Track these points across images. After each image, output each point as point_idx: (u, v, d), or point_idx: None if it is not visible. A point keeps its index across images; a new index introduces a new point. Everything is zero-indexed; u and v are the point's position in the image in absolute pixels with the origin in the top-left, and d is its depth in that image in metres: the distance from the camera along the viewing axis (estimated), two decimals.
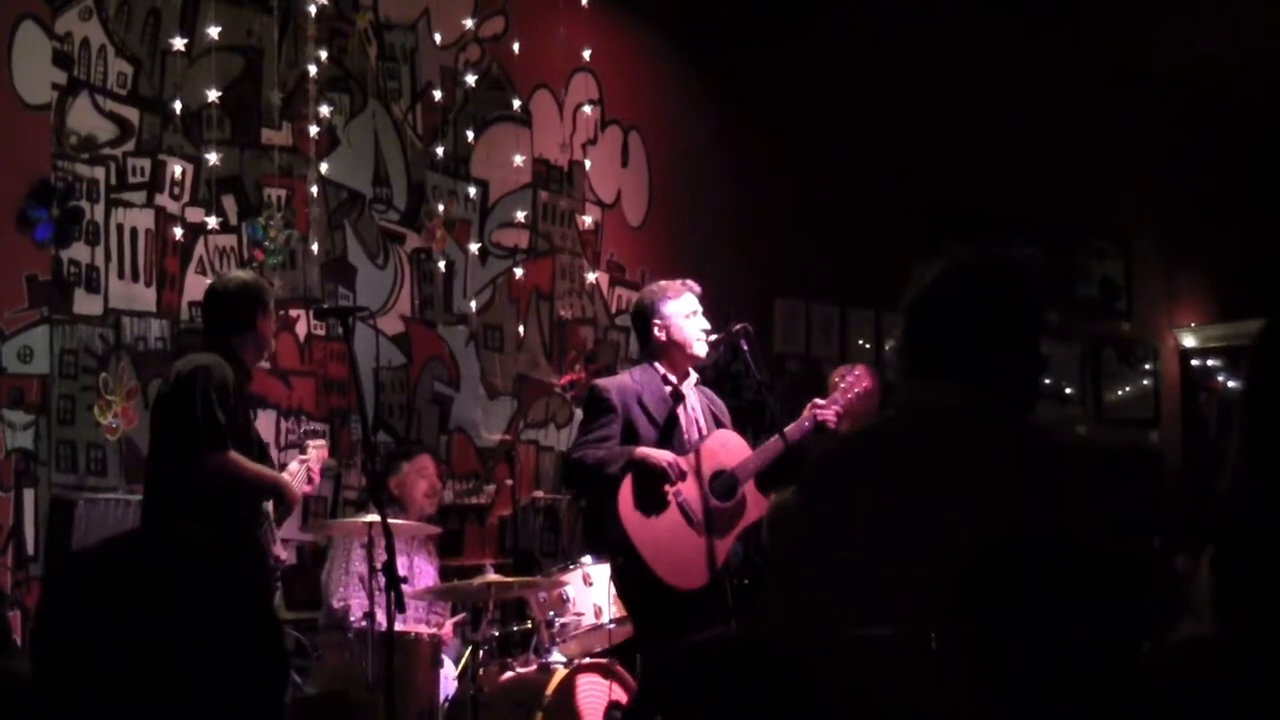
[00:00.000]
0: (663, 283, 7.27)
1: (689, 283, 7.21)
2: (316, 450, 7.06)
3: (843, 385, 7.33)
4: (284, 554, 6.81)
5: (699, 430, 7.10)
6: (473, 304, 9.49)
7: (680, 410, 7.08)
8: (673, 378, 7.11)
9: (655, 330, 7.13)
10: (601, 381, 7.29)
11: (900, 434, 3.38)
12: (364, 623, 7.33)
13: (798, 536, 3.47)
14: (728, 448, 7.11)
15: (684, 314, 7.09)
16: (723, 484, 6.98)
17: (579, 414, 9.63)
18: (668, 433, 7.01)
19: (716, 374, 7.30)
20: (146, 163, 8.03)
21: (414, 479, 8.38)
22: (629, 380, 7.12)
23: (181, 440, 6.37)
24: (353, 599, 7.77)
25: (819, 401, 7.18)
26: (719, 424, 7.26)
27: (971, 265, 3.42)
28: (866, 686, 3.03)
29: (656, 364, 7.12)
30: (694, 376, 7.22)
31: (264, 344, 6.90)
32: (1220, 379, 14.44)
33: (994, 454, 3.24)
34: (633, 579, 6.93)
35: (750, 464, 7.04)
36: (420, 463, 8.48)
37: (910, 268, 3.50)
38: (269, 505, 6.66)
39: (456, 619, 8.24)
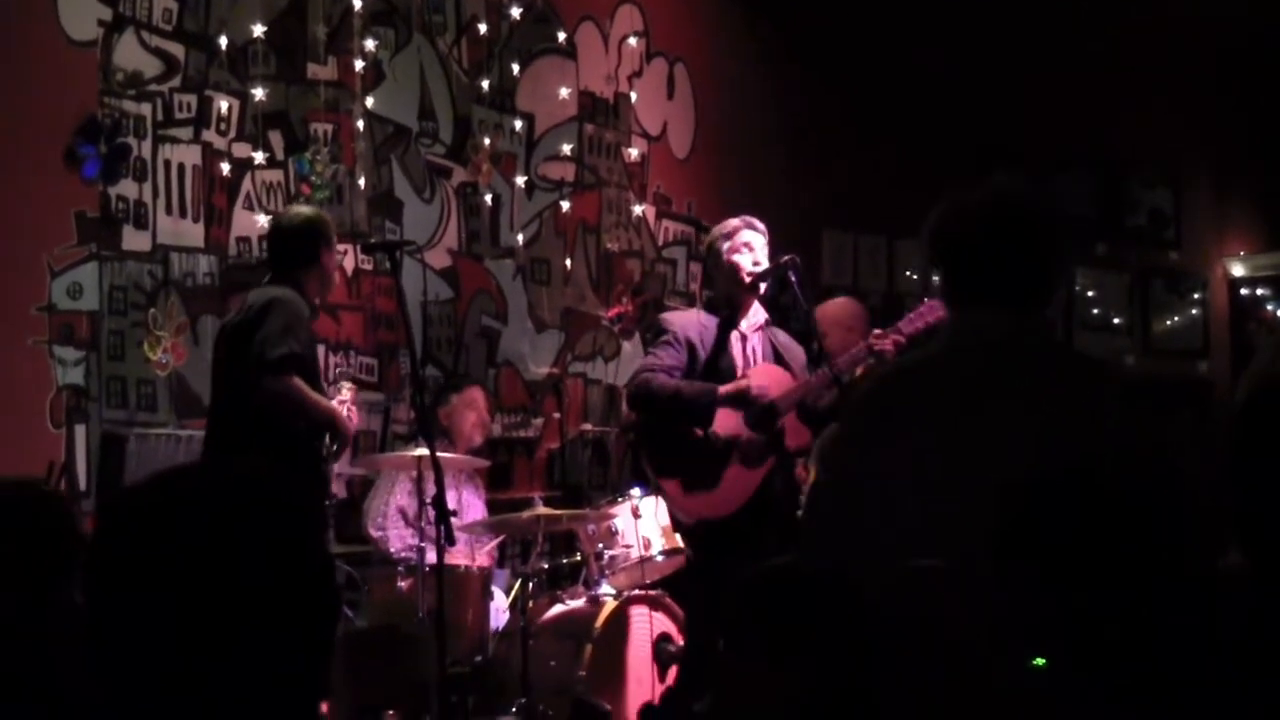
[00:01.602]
0: (725, 221, 7.24)
1: (748, 218, 7.17)
2: (350, 391, 7.05)
3: (911, 314, 7.08)
4: (337, 488, 6.87)
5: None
6: (519, 237, 9.49)
7: (735, 346, 7.05)
8: (735, 315, 7.10)
9: (711, 267, 7.17)
10: (666, 315, 7.36)
11: (954, 364, 3.36)
12: (405, 554, 7.40)
13: (846, 466, 3.44)
14: (770, 378, 7.07)
15: (734, 248, 7.06)
16: (757, 414, 6.95)
17: (626, 347, 9.68)
18: (721, 368, 6.99)
19: (765, 306, 7.23)
20: (193, 99, 8.03)
21: (463, 411, 8.39)
22: (695, 317, 7.12)
23: (248, 364, 6.41)
24: (390, 530, 7.84)
25: (878, 331, 7.06)
26: (784, 366, 7.22)
27: (1009, 196, 3.41)
28: (920, 617, 3.03)
29: (722, 302, 7.13)
30: (760, 317, 7.17)
31: (328, 279, 6.95)
32: (1270, 308, 14.35)
33: (1051, 383, 3.23)
34: (672, 510, 7.01)
35: (793, 395, 6.97)
36: (469, 395, 8.49)
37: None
38: (326, 438, 6.69)
39: (491, 544, 8.22)
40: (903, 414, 3.35)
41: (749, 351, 7.08)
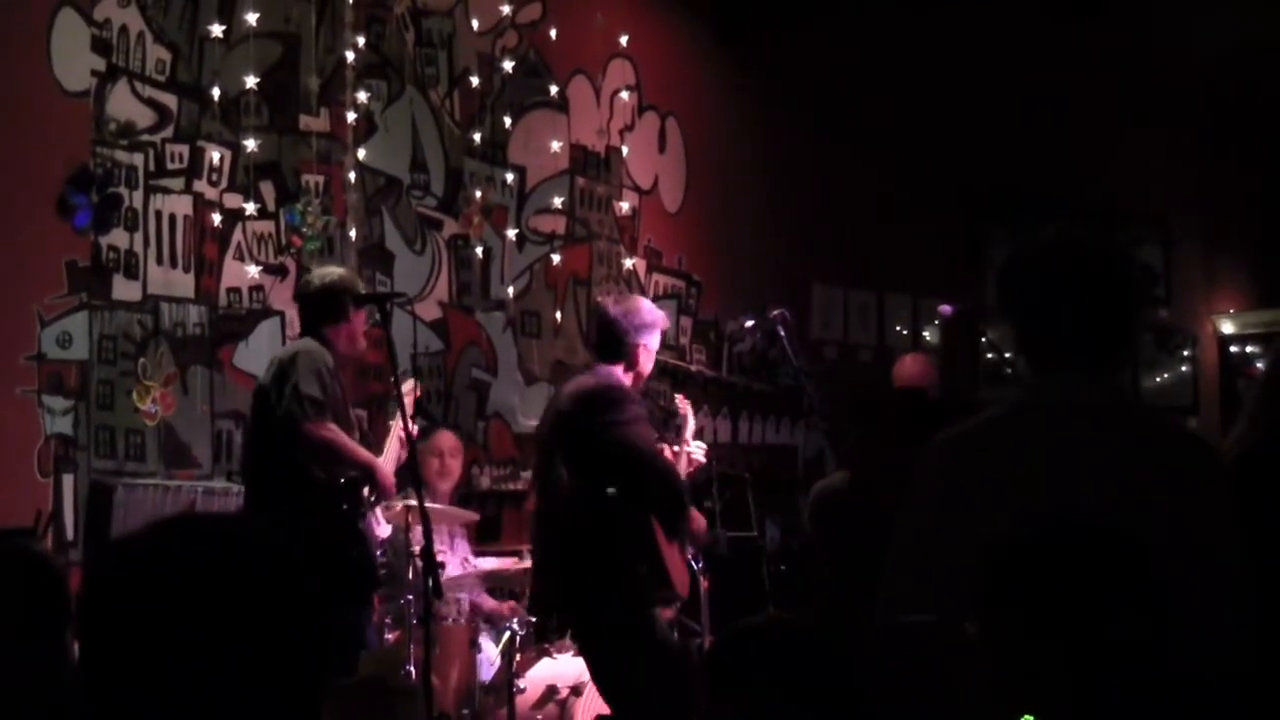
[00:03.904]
0: (652, 309, 6.92)
1: (666, 319, 7.05)
2: (408, 396, 6.89)
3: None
4: (386, 533, 6.95)
5: None
6: (510, 290, 9.49)
7: None
8: None
9: (638, 352, 6.75)
10: (622, 385, 6.75)
11: (1034, 427, 3.24)
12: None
13: (914, 524, 3.33)
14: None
15: (656, 349, 6.88)
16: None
17: None
18: None
19: (754, 361, 7.22)
20: (185, 149, 8.04)
21: (425, 459, 8.17)
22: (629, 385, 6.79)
23: (283, 418, 6.45)
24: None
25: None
26: None
27: (1089, 255, 3.26)
28: (909, 671, 3.02)
29: (626, 374, 6.78)
30: None
31: (356, 335, 6.95)
32: (1259, 365, 14.35)
33: (1140, 446, 3.15)
34: (649, 587, 6.63)
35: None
36: (434, 443, 8.37)
37: (947, 253, 3.44)
38: (365, 490, 6.71)
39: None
40: (972, 476, 3.25)
41: None
